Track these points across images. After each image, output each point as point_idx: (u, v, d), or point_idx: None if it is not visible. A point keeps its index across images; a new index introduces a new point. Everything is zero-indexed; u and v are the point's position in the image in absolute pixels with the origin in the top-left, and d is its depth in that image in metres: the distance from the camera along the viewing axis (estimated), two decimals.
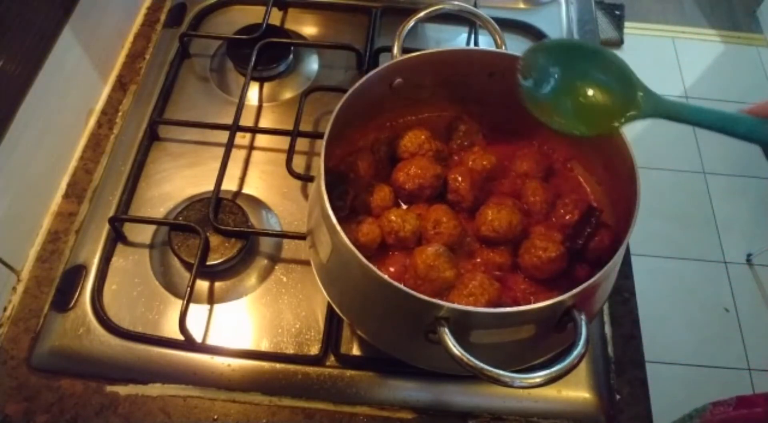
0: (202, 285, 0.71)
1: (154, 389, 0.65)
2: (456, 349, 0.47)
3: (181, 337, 0.65)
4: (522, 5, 0.99)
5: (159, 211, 0.76)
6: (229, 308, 0.70)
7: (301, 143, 0.80)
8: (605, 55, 0.53)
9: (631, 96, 0.52)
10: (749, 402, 0.96)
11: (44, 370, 0.66)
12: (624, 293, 0.73)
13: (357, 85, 0.60)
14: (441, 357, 0.48)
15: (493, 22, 0.70)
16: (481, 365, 0.46)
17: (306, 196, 0.78)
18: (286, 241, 0.74)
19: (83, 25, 0.79)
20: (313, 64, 0.92)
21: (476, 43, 0.91)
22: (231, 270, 0.72)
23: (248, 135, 0.83)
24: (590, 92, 0.54)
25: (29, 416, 0.63)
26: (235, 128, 0.78)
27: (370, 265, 0.49)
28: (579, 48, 0.53)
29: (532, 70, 0.56)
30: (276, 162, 0.80)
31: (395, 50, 0.66)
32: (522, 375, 0.46)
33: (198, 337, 0.67)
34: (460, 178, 0.64)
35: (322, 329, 0.68)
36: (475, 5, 0.92)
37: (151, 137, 0.82)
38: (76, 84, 0.80)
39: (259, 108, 0.86)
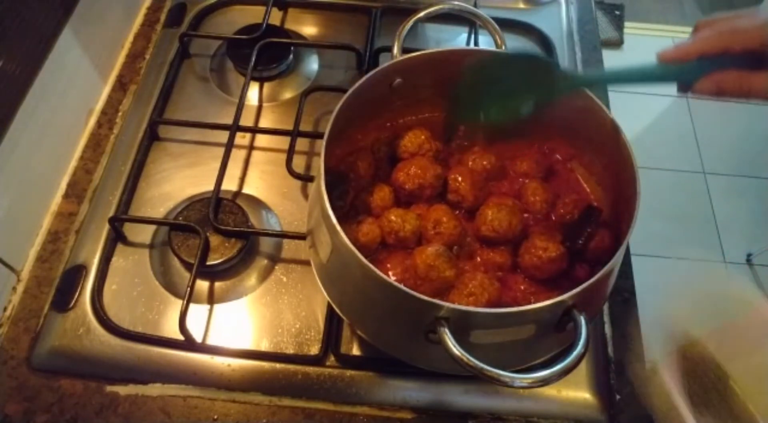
0: (202, 285, 0.71)
1: (154, 389, 0.65)
2: (456, 349, 0.47)
3: (181, 337, 0.65)
4: (522, 5, 0.99)
5: (159, 211, 0.76)
6: (229, 308, 0.70)
7: (301, 143, 0.80)
8: (520, 57, 0.58)
9: (549, 81, 0.57)
10: None
11: (44, 370, 0.66)
12: (624, 293, 0.73)
13: (357, 85, 0.60)
14: (441, 357, 0.48)
15: (493, 22, 0.70)
16: (481, 365, 0.46)
17: (306, 196, 0.78)
18: (286, 241, 0.74)
19: (83, 25, 0.79)
20: (313, 64, 0.92)
21: (476, 43, 0.91)
22: (231, 270, 0.72)
23: (248, 135, 0.83)
24: (511, 92, 0.59)
25: (29, 416, 0.63)
26: (235, 128, 0.78)
27: (370, 265, 0.49)
28: (496, 59, 0.59)
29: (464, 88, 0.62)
30: (276, 162, 0.80)
31: (395, 50, 0.66)
32: (522, 375, 0.46)
33: (198, 337, 0.67)
34: (460, 178, 0.64)
35: (322, 329, 0.68)
36: (475, 5, 0.92)
37: (151, 137, 0.82)
38: (76, 84, 0.80)
39: (259, 108, 0.86)
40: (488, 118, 0.61)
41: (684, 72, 0.53)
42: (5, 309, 0.69)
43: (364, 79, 0.60)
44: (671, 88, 0.55)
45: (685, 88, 0.54)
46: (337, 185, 0.63)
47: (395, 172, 0.64)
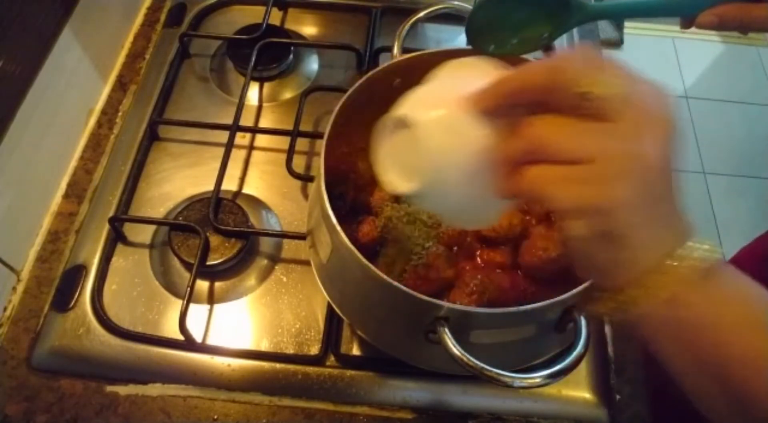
0: (202, 285, 0.71)
1: (154, 389, 0.65)
2: (456, 349, 0.47)
3: (181, 337, 0.65)
4: None
5: (159, 211, 0.76)
6: (229, 308, 0.70)
7: (301, 143, 0.80)
8: None
9: (562, 11, 0.56)
10: None
11: (44, 370, 0.66)
12: None
13: (357, 85, 0.60)
14: (441, 357, 0.48)
15: None
16: (481, 365, 0.46)
17: (306, 196, 0.78)
18: (286, 241, 0.74)
19: (83, 25, 0.79)
20: (313, 64, 0.92)
21: None
22: (231, 270, 0.72)
23: (248, 135, 0.83)
24: (527, 20, 0.58)
25: (29, 416, 0.63)
26: (235, 128, 0.78)
27: (370, 265, 0.49)
28: None
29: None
30: (276, 162, 0.80)
31: (395, 50, 0.66)
32: (522, 375, 0.46)
33: (198, 337, 0.67)
34: None
35: (322, 329, 0.68)
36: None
37: (151, 137, 0.82)
38: (76, 84, 0.80)
39: (259, 108, 0.86)
40: (504, 51, 0.60)
41: (687, 4, 0.55)
42: (5, 309, 0.69)
43: (364, 79, 0.60)
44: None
45: (687, 23, 0.55)
46: (337, 185, 0.63)
47: None
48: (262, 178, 0.80)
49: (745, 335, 0.34)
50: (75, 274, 0.70)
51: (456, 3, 0.71)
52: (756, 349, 0.34)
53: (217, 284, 0.71)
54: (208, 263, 0.69)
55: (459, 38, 0.95)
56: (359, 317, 0.59)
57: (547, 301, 0.48)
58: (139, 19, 0.95)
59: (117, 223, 0.73)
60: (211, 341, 0.67)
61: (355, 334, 0.68)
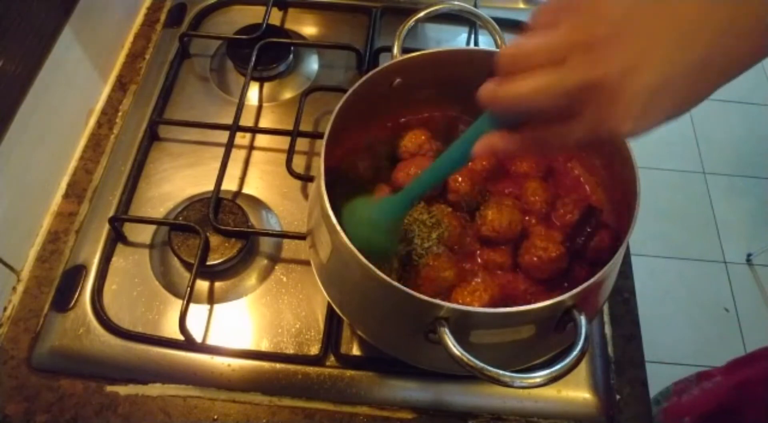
0: (202, 285, 0.71)
1: (154, 389, 0.65)
2: (456, 349, 0.47)
3: (181, 337, 0.65)
4: (522, 5, 0.99)
5: (159, 211, 0.76)
6: (229, 308, 0.70)
7: (301, 143, 0.80)
8: None
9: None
10: (708, 374, 0.94)
11: (44, 370, 0.66)
12: (624, 293, 0.73)
13: (357, 85, 0.60)
14: (441, 357, 0.48)
15: (493, 22, 0.70)
16: (481, 365, 0.46)
17: (306, 196, 0.78)
18: (286, 241, 0.74)
19: (83, 25, 0.79)
20: (313, 64, 0.92)
21: (476, 43, 0.91)
22: (231, 270, 0.72)
23: (248, 135, 0.83)
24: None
25: (29, 416, 0.63)
26: (235, 128, 0.78)
27: (370, 265, 0.49)
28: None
29: None
30: (276, 162, 0.80)
31: (395, 50, 0.66)
32: (522, 375, 0.46)
33: (198, 337, 0.67)
34: (460, 178, 0.64)
35: (322, 329, 0.68)
36: (475, 5, 0.92)
37: (151, 137, 0.82)
38: (76, 84, 0.80)
39: (259, 108, 0.86)
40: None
41: None
42: (5, 309, 0.69)
43: (364, 79, 0.60)
44: None
45: None
46: (337, 185, 0.63)
47: (395, 172, 0.64)
48: (262, 178, 0.80)
49: None
50: (75, 274, 0.70)
51: (456, 3, 0.71)
52: None
53: (217, 284, 0.71)
54: (208, 263, 0.69)
55: (459, 38, 0.95)
56: (359, 317, 0.59)
57: (547, 301, 0.48)
58: (139, 19, 0.95)
59: (117, 223, 0.73)
60: (211, 341, 0.67)
61: (355, 334, 0.68)
